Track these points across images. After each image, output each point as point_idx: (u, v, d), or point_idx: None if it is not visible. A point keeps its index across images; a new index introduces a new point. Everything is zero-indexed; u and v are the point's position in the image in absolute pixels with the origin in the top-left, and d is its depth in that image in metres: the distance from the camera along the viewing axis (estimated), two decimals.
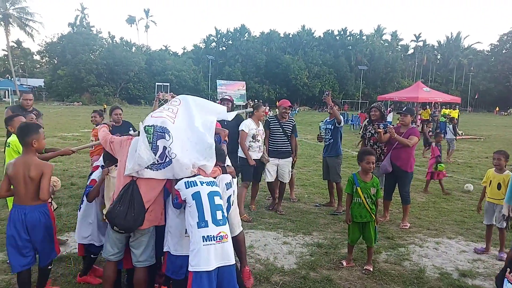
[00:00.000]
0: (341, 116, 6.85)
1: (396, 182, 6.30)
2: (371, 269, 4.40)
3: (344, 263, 4.54)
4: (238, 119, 6.33)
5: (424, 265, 4.64)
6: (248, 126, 6.34)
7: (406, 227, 6.00)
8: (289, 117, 6.79)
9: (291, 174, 7.58)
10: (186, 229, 3.15)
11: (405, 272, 4.44)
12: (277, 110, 7.08)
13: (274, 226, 5.91)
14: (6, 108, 6.44)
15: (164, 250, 3.26)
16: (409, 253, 5.02)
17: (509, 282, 2.67)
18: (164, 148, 3.09)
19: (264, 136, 6.55)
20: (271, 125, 6.65)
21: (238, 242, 3.78)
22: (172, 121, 3.19)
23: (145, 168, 3.08)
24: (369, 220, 4.46)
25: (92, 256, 3.86)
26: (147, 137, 3.11)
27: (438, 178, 8.66)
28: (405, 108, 6.80)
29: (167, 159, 3.09)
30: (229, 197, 3.34)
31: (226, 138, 3.67)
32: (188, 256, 3.13)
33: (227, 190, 3.28)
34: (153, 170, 3.10)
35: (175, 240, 3.19)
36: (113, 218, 3.07)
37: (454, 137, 13.81)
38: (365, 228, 4.52)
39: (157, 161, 3.08)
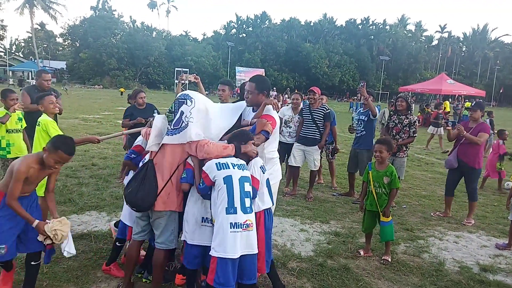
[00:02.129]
0: (376, 108, 6.74)
1: (460, 178, 6.16)
2: (389, 259, 4.35)
3: (362, 252, 4.50)
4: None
5: (443, 258, 4.57)
6: (283, 112, 6.96)
7: (470, 224, 5.85)
8: (321, 105, 6.77)
9: (331, 162, 7.66)
10: (202, 218, 3.13)
11: (424, 264, 4.38)
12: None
13: (291, 213, 5.89)
14: (21, 89, 6.33)
15: (182, 239, 3.23)
16: (429, 245, 4.95)
17: None
18: (182, 113, 3.15)
19: (298, 123, 6.94)
20: (303, 112, 6.85)
21: None
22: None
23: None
24: (376, 210, 4.40)
25: (117, 244, 3.76)
26: (170, 107, 3.24)
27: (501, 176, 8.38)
28: (474, 102, 6.71)
29: (183, 124, 3.12)
30: (267, 181, 3.26)
31: (268, 129, 3.40)
32: (202, 246, 3.13)
33: (263, 173, 3.19)
34: (168, 135, 3.14)
35: (191, 229, 3.15)
36: (126, 194, 3.13)
37: (492, 132, 13.53)
38: (378, 219, 4.46)
39: (173, 127, 3.14)
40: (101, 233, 4.63)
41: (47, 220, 3.08)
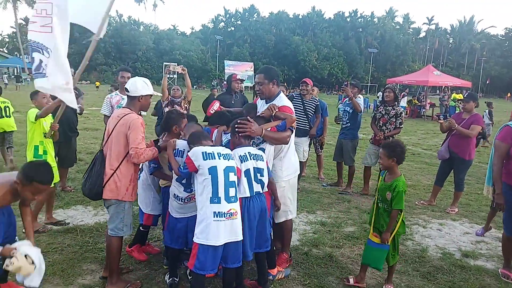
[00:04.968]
0: (361, 106, 6.71)
1: (451, 169, 6.18)
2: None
3: (351, 280, 3.67)
4: (244, 99, 6.40)
5: (426, 245, 4.66)
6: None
7: (454, 212, 5.95)
8: (312, 97, 6.74)
9: (320, 155, 7.70)
10: (174, 194, 3.31)
11: (407, 251, 4.46)
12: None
13: None
14: None
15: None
16: (412, 233, 5.04)
17: None
18: (40, 61, 3.59)
19: None
20: (294, 103, 6.47)
21: (281, 229, 3.86)
22: (48, 36, 3.63)
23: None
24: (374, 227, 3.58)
25: (141, 229, 3.96)
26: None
27: None
28: (467, 93, 6.67)
29: (43, 71, 3.58)
30: (251, 170, 3.19)
31: (294, 125, 3.53)
32: (183, 221, 3.30)
33: (241, 163, 3.16)
34: (38, 78, 3.64)
35: (170, 201, 3.39)
36: (82, 185, 3.35)
37: (490, 122, 13.71)
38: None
39: (34, 71, 3.60)
40: (87, 227, 4.63)
41: (14, 246, 2.72)
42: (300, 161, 6.71)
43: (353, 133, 6.86)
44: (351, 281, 3.65)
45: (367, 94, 50.71)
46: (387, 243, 3.41)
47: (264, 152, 3.41)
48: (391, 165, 3.47)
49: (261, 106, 3.75)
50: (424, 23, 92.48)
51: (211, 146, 3.08)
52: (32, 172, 2.69)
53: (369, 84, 65.32)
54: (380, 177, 3.69)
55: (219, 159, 2.97)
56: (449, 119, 5.95)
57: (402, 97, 23.30)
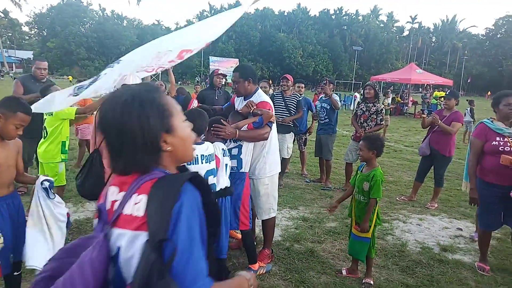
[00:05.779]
0: (338, 103, 6.99)
1: (431, 165, 6.27)
2: (371, 282, 3.64)
3: (344, 272, 3.81)
4: (227, 95, 6.37)
5: (406, 239, 4.73)
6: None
7: (433, 208, 6.05)
8: (293, 93, 6.78)
9: (303, 151, 7.76)
10: None
11: (387, 245, 4.52)
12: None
13: None
14: (15, 79, 6.10)
15: None
16: (393, 228, 5.11)
17: None
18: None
19: None
20: (275, 99, 6.59)
21: (264, 226, 3.94)
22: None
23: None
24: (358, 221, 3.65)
25: None
26: None
27: None
28: (449, 91, 6.80)
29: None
30: (229, 165, 3.28)
31: (272, 120, 3.51)
32: None
33: (223, 156, 3.21)
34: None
35: None
36: (76, 186, 3.22)
37: (472, 120, 13.97)
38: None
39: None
40: None
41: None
42: (284, 158, 6.81)
43: (331, 127, 7.02)
44: (344, 272, 3.79)
45: (351, 91, 51.09)
46: (367, 231, 3.52)
47: (241, 148, 3.45)
48: (371, 157, 3.60)
49: (239, 103, 3.75)
50: (407, 22, 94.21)
51: (198, 144, 2.95)
52: (14, 104, 2.66)
53: (353, 82, 65.87)
54: (358, 171, 3.75)
55: (202, 163, 2.92)
56: (433, 115, 6.08)
57: (388, 96, 23.58)
